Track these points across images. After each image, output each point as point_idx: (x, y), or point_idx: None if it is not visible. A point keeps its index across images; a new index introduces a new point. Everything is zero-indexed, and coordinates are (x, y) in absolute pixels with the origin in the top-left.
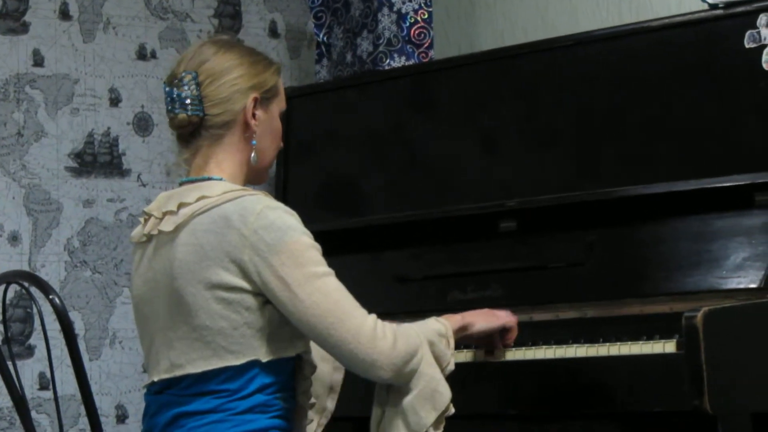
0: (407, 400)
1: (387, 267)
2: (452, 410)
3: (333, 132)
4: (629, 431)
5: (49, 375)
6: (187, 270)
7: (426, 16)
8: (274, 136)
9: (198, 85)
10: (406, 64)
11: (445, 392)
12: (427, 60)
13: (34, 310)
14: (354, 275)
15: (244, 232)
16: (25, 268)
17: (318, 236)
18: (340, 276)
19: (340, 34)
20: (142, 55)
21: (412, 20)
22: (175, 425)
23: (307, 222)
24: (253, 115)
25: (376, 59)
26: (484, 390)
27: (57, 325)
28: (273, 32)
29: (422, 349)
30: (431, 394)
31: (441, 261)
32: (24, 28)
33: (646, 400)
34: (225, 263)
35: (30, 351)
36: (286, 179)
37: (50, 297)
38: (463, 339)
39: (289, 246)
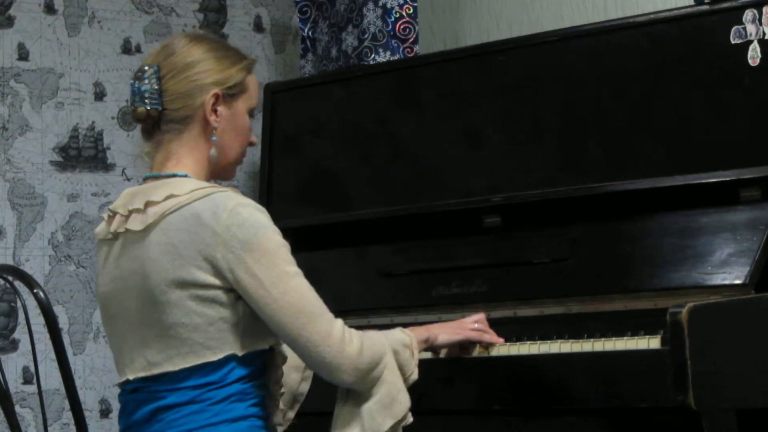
0: (366, 405)
1: (371, 262)
2: (410, 419)
3: (318, 127)
4: (614, 427)
5: (33, 369)
6: (160, 269)
7: (411, 11)
8: (238, 133)
9: (159, 79)
10: (391, 59)
11: (404, 401)
12: (412, 55)
13: (19, 304)
14: (338, 270)
15: (216, 229)
16: (10, 262)
17: (302, 231)
18: (325, 271)
19: (325, 28)
20: (127, 49)
21: (397, 15)
22: (153, 420)
23: (292, 216)
24: (215, 111)
25: (361, 54)
26: (469, 386)
27: (41, 320)
28: (258, 27)
29: (387, 356)
30: (390, 402)
31: (425, 256)
32: (9, 21)
33: (631, 396)
34: (198, 261)
35: (14, 345)
36: (271, 174)
37: (34, 291)
38: (428, 350)
39: (262, 244)
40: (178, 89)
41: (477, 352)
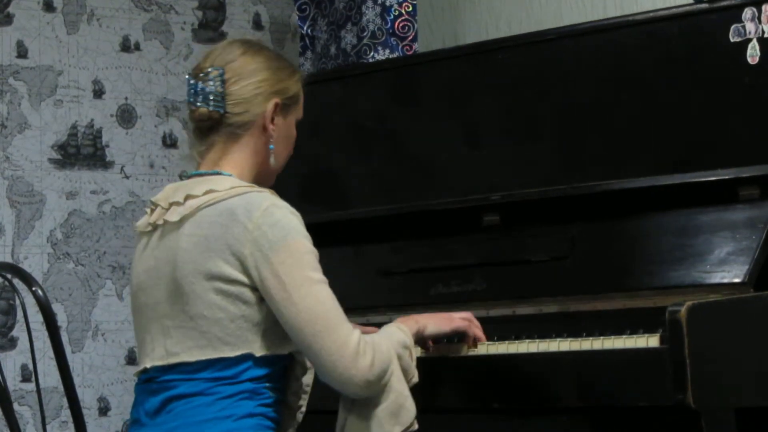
0: (374, 412)
1: (370, 260)
2: (416, 426)
3: (317, 125)
4: (612, 426)
5: (31, 367)
6: (189, 260)
7: (410, 9)
8: (287, 143)
9: (223, 82)
10: (390, 56)
11: (411, 408)
12: (411, 53)
13: (17, 302)
14: (337, 269)
15: (248, 226)
16: (8, 259)
17: None
18: (324, 269)
19: (324, 26)
20: (126, 47)
21: (396, 13)
22: (163, 411)
23: None
24: (272, 120)
25: (360, 52)
26: (468, 384)
27: (40, 317)
28: (257, 24)
29: (393, 364)
30: (398, 410)
31: (424, 255)
32: (8, 19)
33: (630, 394)
34: (226, 255)
35: (12, 343)
36: None
37: (33, 289)
38: (416, 342)
39: (290, 246)
40: (242, 94)
41: (465, 350)
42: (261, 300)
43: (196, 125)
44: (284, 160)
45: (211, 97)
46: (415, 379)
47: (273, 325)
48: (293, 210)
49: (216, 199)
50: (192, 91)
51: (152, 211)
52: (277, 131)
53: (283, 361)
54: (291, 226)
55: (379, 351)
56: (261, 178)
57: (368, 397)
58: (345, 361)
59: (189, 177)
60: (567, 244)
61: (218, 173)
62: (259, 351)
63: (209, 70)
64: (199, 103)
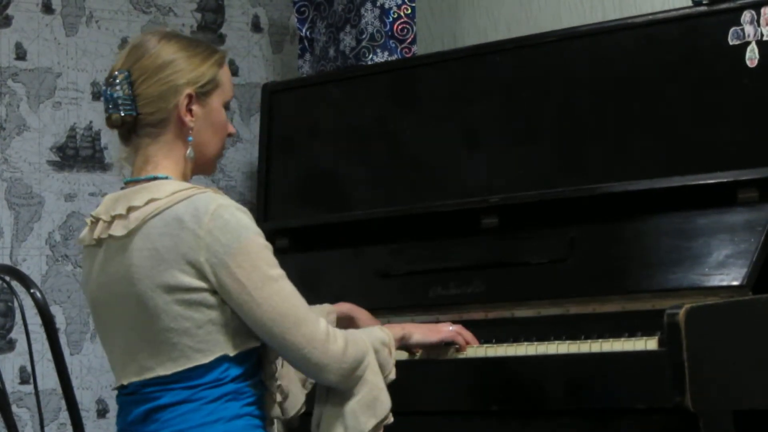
0: (348, 404)
1: (369, 262)
2: (391, 419)
3: (315, 127)
4: (611, 428)
5: (30, 369)
6: (145, 275)
7: (409, 12)
8: (216, 129)
9: (130, 84)
10: (389, 59)
11: (386, 401)
12: (410, 55)
13: (15, 304)
14: (336, 270)
15: (198, 233)
16: (7, 261)
17: (300, 231)
18: (323, 271)
19: (323, 28)
20: None
21: (395, 15)
22: (149, 420)
23: (289, 217)
24: (190, 111)
25: (359, 54)
26: (466, 386)
27: (38, 319)
28: (256, 27)
29: (369, 356)
30: (373, 402)
31: (423, 257)
32: (6, 21)
33: (628, 397)
34: (181, 265)
35: (11, 345)
36: (269, 174)
37: (31, 291)
38: (402, 349)
39: (245, 247)
40: (151, 93)
41: (451, 353)
42: (223, 301)
43: (117, 131)
44: (219, 144)
45: (120, 102)
46: (392, 375)
47: (240, 322)
48: (239, 206)
49: (160, 209)
50: (105, 99)
51: (93, 224)
52: (197, 121)
53: (256, 352)
54: (241, 226)
55: (353, 340)
56: (197, 169)
57: (343, 390)
58: (317, 352)
59: (125, 184)
60: (566, 246)
61: (155, 178)
62: (232, 350)
63: (116, 74)
64: (110, 110)
